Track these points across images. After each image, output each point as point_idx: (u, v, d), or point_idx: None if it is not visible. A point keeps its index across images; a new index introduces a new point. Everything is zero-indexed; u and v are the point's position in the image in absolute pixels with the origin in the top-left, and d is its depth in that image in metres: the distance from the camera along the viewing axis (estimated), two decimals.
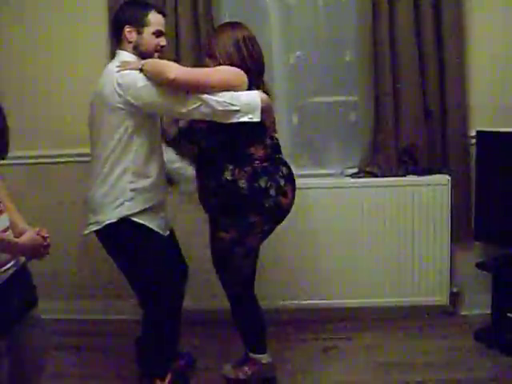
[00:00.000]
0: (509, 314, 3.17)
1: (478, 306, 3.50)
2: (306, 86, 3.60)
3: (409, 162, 3.45)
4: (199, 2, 3.34)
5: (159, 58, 2.68)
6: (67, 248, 3.72)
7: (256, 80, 2.67)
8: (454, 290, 3.55)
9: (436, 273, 3.48)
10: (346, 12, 3.50)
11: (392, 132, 3.40)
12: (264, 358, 2.95)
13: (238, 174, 2.62)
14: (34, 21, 3.59)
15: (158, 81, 2.52)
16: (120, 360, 3.26)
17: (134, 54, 2.67)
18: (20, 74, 3.64)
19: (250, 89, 2.60)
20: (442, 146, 3.43)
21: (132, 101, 2.54)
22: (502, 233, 3.27)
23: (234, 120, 2.53)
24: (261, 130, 2.64)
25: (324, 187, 3.40)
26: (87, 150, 3.44)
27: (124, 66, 2.58)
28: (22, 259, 2.18)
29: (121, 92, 2.53)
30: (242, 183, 2.61)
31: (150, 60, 2.59)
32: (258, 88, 2.64)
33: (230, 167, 2.62)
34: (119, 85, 2.54)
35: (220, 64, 2.62)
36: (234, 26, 2.72)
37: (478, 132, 3.30)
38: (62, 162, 3.70)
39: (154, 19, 2.66)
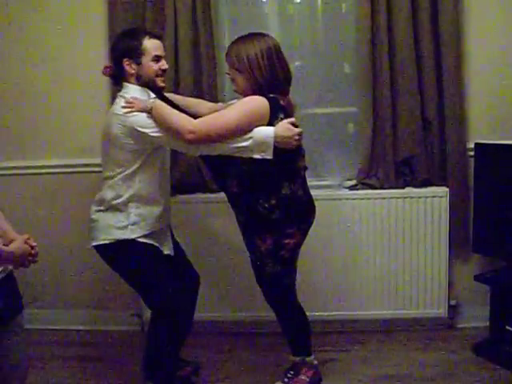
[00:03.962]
0: (507, 327, 3.16)
1: (476, 318, 3.49)
2: (304, 97, 3.58)
3: (407, 174, 3.45)
4: (198, 12, 3.35)
5: (162, 81, 2.72)
6: (68, 258, 3.75)
7: (284, 90, 2.67)
8: (452, 302, 3.53)
9: (434, 285, 3.47)
10: (345, 24, 3.51)
11: (390, 144, 3.40)
12: (315, 359, 2.98)
13: (294, 186, 2.67)
14: (34, 33, 3.60)
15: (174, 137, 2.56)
16: (118, 370, 3.27)
17: (138, 84, 2.70)
18: (21, 84, 3.66)
19: (277, 104, 2.59)
20: (441, 157, 3.43)
21: (142, 143, 2.60)
22: (501, 245, 3.26)
23: (247, 156, 2.56)
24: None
25: (322, 199, 3.38)
26: (89, 161, 3.47)
27: (130, 105, 2.59)
28: (9, 266, 2.18)
29: (130, 134, 2.58)
30: (300, 192, 2.69)
31: (157, 106, 2.57)
32: (284, 95, 2.65)
33: (286, 183, 2.65)
34: (129, 128, 2.57)
35: (247, 74, 2.60)
36: (261, 35, 2.69)
37: (476, 144, 3.29)
38: (64, 173, 3.70)
39: (150, 46, 2.67)
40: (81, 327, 3.79)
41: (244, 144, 2.54)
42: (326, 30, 3.57)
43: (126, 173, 2.66)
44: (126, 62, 2.66)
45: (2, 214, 2.27)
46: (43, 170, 3.70)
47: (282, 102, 2.62)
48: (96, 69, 3.46)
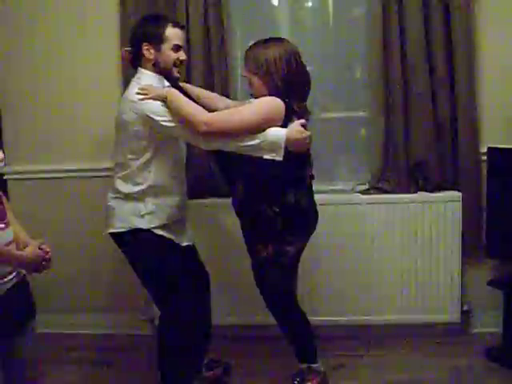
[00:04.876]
0: None
1: (490, 324, 3.47)
2: (316, 102, 3.58)
3: (420, 179, 3.44)
4: (210, 18, 3.35)
5: (177, 71, 2.71)
6: (81, 263, 3.75)
7: (302, 96, 2.66)
8: (465, 307, 3.51)
9: (447, 290, 3.45)
10: (356, 28, 3.51)
11: (403, 148, 3.39)
12: (321, 366, 2.94)
13: (299, 194, 2.66)
14: (45, 33, 3.61)
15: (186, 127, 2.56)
16: (130, 375, 3.29)
17: (154, 71, 2.69)
18: (32, 88, 3.67)
19: (291, 108, 2.59)
20: (453, 162, 3.41)
21: (153, 131, 2.59)
22: None
23: (257, 155, 2.55)
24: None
25: (334, 203, 3.39)
26: (104, 165, 3.47)
27: (145, 92, 2.57)
28: (23, 271, 2.20)
29: (142, 121, 2.56)
30: (305, 201, 2.68)
31: (173, 94, 2.57)
32: (301, 101, 2.65)
33: (291, 191, 2.65)
34: (141, 115, 2.56)
35: (265, 78, 2.59)
36: (280, 40, 2.69)
37: (489, 148, 3.28)
38: (78, 177, 3.71)
39: (172, 34, 2.65)
40: (92, 331, 3.79)
41: (255, 142, 2.53)
42: (337, 35, 3.57)
43: (140, 162, 2.64)
44: (145, 47, 2.65)
45: (15, 220, 2.28)
46: (57, 175, 3.71)
47: (295, 107, 2.62)
48: (109, 73, 3.51)
